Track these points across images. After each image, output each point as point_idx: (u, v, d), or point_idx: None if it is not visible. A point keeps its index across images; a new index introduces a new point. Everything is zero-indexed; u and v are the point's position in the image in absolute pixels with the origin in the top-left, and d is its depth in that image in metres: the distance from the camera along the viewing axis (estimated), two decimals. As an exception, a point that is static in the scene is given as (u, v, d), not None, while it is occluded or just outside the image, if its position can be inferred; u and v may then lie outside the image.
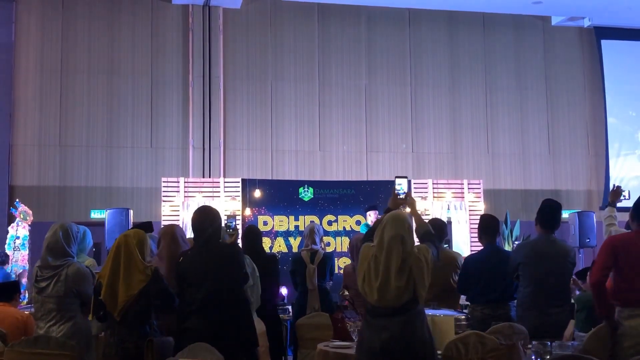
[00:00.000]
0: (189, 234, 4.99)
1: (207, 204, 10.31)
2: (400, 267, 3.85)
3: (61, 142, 11.92)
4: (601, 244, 4.90)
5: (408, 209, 4.48)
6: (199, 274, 4.40)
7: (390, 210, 4.22)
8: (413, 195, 11.31)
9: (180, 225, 8.91)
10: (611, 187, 6.06)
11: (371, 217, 9.75)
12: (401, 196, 4.50)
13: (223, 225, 5.11)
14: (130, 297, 4.28)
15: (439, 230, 5.92)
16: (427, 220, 6.12)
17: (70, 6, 12.16)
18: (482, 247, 5.98)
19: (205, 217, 4.59)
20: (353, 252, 6.07)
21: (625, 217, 4.99)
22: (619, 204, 5.82)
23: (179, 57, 12.45)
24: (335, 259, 9.09)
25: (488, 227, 5.86)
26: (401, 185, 4.53)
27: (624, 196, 5.85)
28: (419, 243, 4.16)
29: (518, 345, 4.13)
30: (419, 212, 4.73)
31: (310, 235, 7.22)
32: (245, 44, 12.76)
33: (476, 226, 11.29)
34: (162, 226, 5.21)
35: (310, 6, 12.96)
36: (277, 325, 6.17)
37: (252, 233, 6.53)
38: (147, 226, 4.78)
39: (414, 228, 4.11)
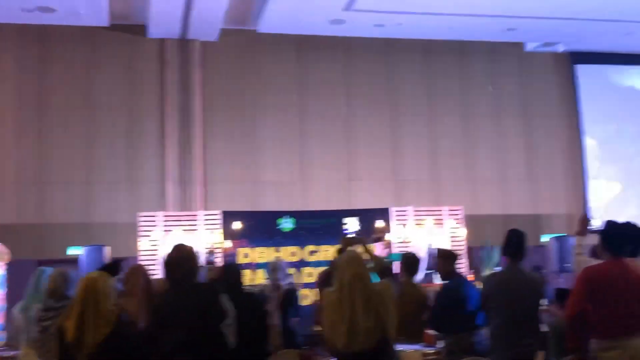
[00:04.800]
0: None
1: (183, 241, 10.32)
2: (365, 306, 3.80)
3: (39, 179, 11.86)
4: (573, 272, 4.85)
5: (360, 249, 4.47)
6: (175, 315, 4.36)
7: (342, 251, 4.19)
8: (395, 223, 11.46)
9: (160, 260, 8.84)
10: (589, 212, 6.06)
11: (377, 249, 9.75)
12: (351, 236, 4.48)
13: (202, 261, 5.08)
14: (96, 343, 4.23)
15: (411, 265, 5.92)
16: (403, 254, 6.16)
17: (48, 42, 12.17)
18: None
19: (180, 256, 4.55)
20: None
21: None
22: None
23: (156, 91, 12.45)
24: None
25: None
26: (349, 225, 4.52)
27: (592, 225, 5.84)
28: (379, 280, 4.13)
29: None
30: (372, 248, 4.72)
31: (273, 271, 7.16)
32: (223, 76, 12.79)
33: (459, 253, 11.37)
34: (132, 264, 5.16)
35: (288, 38, 13.03)
36: None
37: (232, 271, 6.42)
38: (114, 267, 4.74)
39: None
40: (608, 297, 4.55)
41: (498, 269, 9.75)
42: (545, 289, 5.70)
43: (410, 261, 6.05)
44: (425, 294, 5.97)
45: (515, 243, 5.41)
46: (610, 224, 4.87)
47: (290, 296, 7.06)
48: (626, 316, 4.51)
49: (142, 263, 10.18)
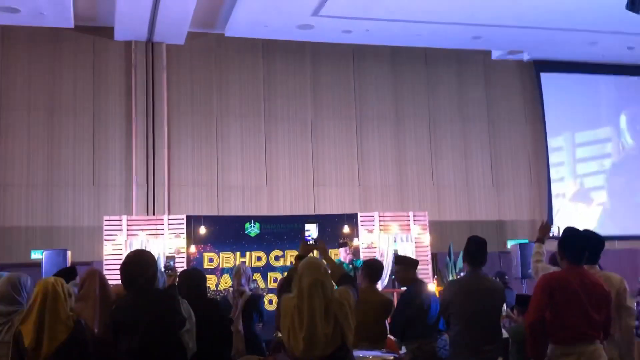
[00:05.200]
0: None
1: (143, 245, 10.27)
2: (324, 313, 3.79)
3: (1, 182, 11.66)
4: (532, 278, 4.89)
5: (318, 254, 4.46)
6: (134, 322, 4.30)
7: (301, 257, 4.18)
8: (361, 228, 11.50)
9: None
10: (553, 219, 6.11)
11: (341, 254, 9.76)
12: (310, 242, 4.49)
13: (162, 266, 5.03)
14: (54, 349, 4.18)
15: (372, 271, 5.93)
16: (364, 260, 6.18)
17: (10, 42, 12.00)
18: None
19: (138, 262, 4.49)
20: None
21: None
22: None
23: (121, 94, 12.34)
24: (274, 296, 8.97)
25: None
26: (310, 231, 4.53)
27: (553, 232, 5.91)
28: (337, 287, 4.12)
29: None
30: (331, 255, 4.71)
31: (236, 276, 7.11)
32: (189, 79, 12.73)
33: (423, 259, 11.46)
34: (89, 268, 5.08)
35: (254, 42, 13.02)
36: None
37: (193, 277, 6.35)
38: (70, 271, 4.68)
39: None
40: (566, 304, 4.59)
41: (462, 274, 9.84)
42: (505, 296, 5.75)
43: (371, 267, 6.05)
44: (388, 300, 5.97)
45: (475, 250, 5.45)
46: (569, 232, 4.93)
47: (254, 301, 7.02)
48: (583, 323, 4.56)
49: (106, 267, 10.13)
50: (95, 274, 4.75)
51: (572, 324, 4.56)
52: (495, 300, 5.37)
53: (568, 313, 4.57)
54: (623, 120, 14.82)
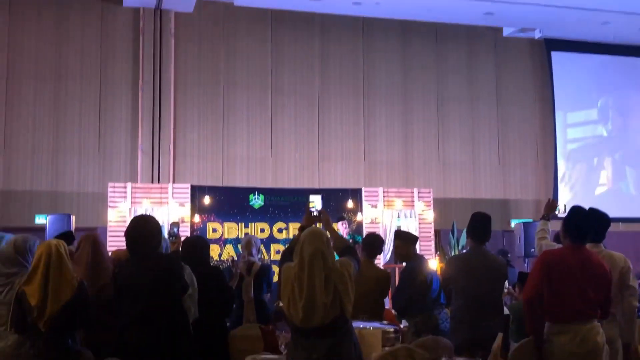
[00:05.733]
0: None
1: (147, 212, 10.27)
2: (324, 283, 3.81)
3: (6, 146, 11.67)
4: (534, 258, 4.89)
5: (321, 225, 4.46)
6: (136, 286, 4.33)
7: (304, 228, 4.18)
8: (364, 204, 11.50)
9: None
10: (559, 198, 6.10)
11: (339, 229, 9.77)
12: (315, 213, 4.49)
13: (165, 232, 5.04)
14: (59, 308, 4.22)
15: (371, 245, 5.93)
16: (364, 235, 6.18)
17: (18, 8, 11.94)
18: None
19: (143, 227, 4.50)
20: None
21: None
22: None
23: (129, 61, 12.29)
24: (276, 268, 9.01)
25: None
26: (314, 203, 4.53)
27: (558, 210, 5.89)
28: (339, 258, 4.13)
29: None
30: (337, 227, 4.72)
31: (247, 246, 7.14)
32: (197, 49, 12.66)
33: (426, 235, 11.47)
34: (86, 233, 5.09)
35: (263, 12, 12.92)
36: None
37: (196, 245, 6.37)
38: (68, 236, 4.70)
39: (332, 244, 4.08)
40: (563, 282, 4.58)
41: (465, 250, 9.85)
42: (508, 272, 5.74)
43: (370, 242, 6.06)
44: (385, 275, 5.96)
45: (479, 226, 5.44)
46: (574, 210, 4.90)
47: (264, 272, 7.07)
48: (579, 302, 4.55)
49: (110, 234, 10.18)
50: (89, 239, 4.79)
51: (568, 302, 4.56)
52: (497, 276, 5.38)
53: (564, 291, 4.56)
54: (629, 101, 14.73)
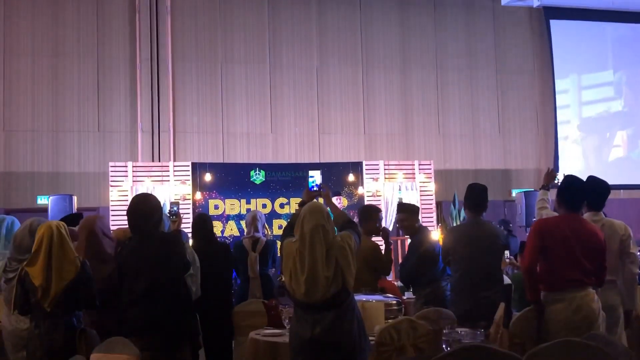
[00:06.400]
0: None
1: (149, 191, 10.29)
2: (325, 257, 3.83)
3: (5, 127, 11.67)
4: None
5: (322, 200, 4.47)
6: (138, 265, 4.37)
7: (304, 204, 4.20)
8: (365, 177, 11.50)
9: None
10: (559, 168, 6.07)
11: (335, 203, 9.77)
12: (315, 189, 4.50)
13: (166, 211, 5.06)
14: (63, 288, 4.26)
15: (365, 216, 5.94)
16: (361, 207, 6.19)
17: (12, -13, 11.87)
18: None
19: (144, 206, 4.52)
20: None
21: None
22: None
23: (126, 39, 12.23)
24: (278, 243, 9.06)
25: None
26: (314, 178, 4.53)
27: (558, 179, 5.89)
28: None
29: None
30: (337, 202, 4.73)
31: (252, 222, 7.17)
32: (194, 25, 12.59)
33: (428, 207, 11.47)
34: (87, 216, 5.09)
35: (260, -14, 12.84)
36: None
37: (202, 221, 6.41)
38: (76, 217, 4.71)
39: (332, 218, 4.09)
40: (557, 250, 4.62)
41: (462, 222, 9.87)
42: (509, 242, 5.76)
43: (364, 212, 6.06)
44: (374, 245, 5.93)
45: (475, 196, 5.43)
46: (569, 179, 4.91)
47: (270, 247, 7.11)
48: (573, 270, 4.58)
49: (112, 213, 10.19)
50: (85, 227, 4.77)
51: (562, 270, 4.59)
52: (495, 246, 5.37)
53: (557, 258, 4.60)
54: (630, 67, 14.66)
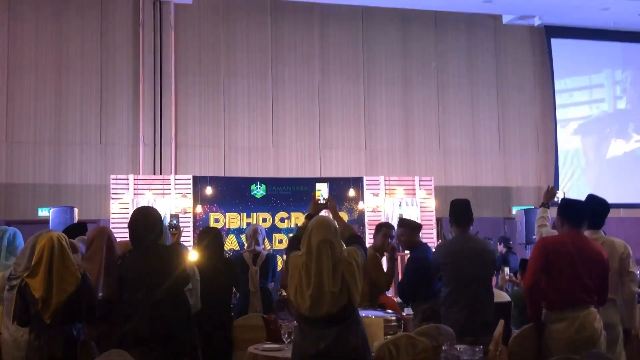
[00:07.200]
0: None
1: (149, 204, 10.31)
2: (332, 272, 3.80)
3: (7, 139, 11.71)
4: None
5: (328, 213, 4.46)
6: (139, 277, 4.37)
7: (311, 216, 4.17)
8: (365, 192, 11.51)
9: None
10: (559, 185, 6.10)
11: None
12: (322, 202, 4.48)
13: (166, 224, 5.07)
14: (63, 299, 4.25)
15: (377, 230, 5.95)
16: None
17: (18, 0, 11.93)
18: None
19: (145, 219, 4.53)
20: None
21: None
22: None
23: (129, 53, 12.30)
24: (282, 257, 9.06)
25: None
26: (321, 191, 4.51)
27: (558, 198, 5.90)
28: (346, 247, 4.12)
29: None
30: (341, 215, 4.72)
31: (253, 235, 7.16)
32: (197, 39, 12.66)
33: (428, 223, 11.48)
34: (96, 226, 5.10)
35: (263, 2, 12.92)
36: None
37: (215, 236, 6.36)
38: (80, 227, 4.71)
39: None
40: (561, 268, 4.60)
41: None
42: (495, 257, 5.73)
43: (376, 227, 6.07)
44: (373, 254, 5.91)
45: (459, 211, 5.38)
46: (566, 199, 4.94)
47: (270, 261, 7.09)
48: (576, 288, 4.57)
49: (113, 226, 10.18)
50: (104, 234, 4.76)
51: (565, 289, 4.57)
52: (484, 260, 5.31)
53: (561, 277, 4.58)
54: (628, 85, 14.71)
